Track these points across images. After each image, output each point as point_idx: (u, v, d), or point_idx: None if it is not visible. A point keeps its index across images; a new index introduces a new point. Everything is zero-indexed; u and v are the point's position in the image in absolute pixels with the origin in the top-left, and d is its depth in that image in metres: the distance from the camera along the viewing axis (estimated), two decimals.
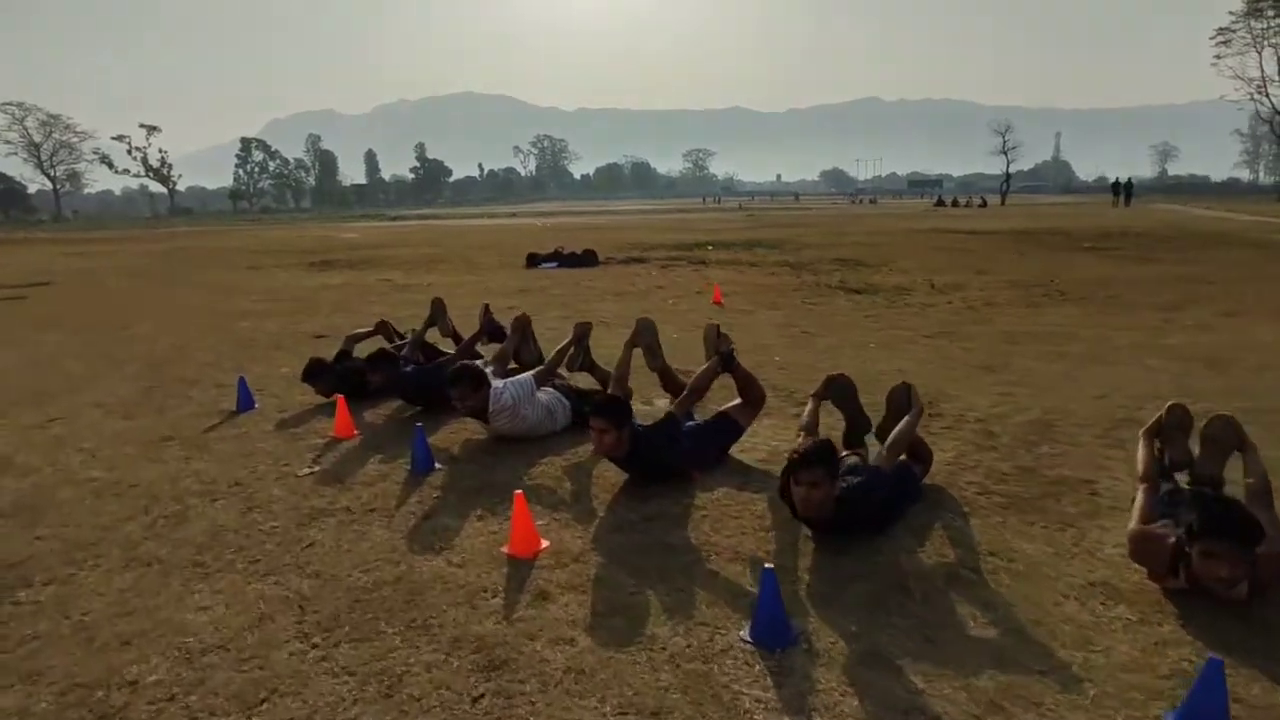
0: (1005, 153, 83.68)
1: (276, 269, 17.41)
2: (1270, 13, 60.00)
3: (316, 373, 5.56)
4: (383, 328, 6.38)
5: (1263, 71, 61.04)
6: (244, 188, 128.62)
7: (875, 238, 21.40)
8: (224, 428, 5.11)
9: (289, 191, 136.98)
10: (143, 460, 4.49)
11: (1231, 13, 62.33)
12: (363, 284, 13.74)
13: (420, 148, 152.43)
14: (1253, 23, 60.84)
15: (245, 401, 5.56)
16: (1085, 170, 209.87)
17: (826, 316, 9.10)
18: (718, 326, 4.55)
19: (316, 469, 4.26)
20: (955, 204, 53.40)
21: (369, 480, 4.07)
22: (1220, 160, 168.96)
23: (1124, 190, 46.86)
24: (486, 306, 6.47)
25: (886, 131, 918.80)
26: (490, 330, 6.07)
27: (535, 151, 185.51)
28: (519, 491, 3.29)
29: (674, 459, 3.78)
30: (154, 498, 3.92)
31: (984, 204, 52.56)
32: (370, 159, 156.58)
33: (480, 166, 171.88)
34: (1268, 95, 61.50)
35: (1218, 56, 62.41)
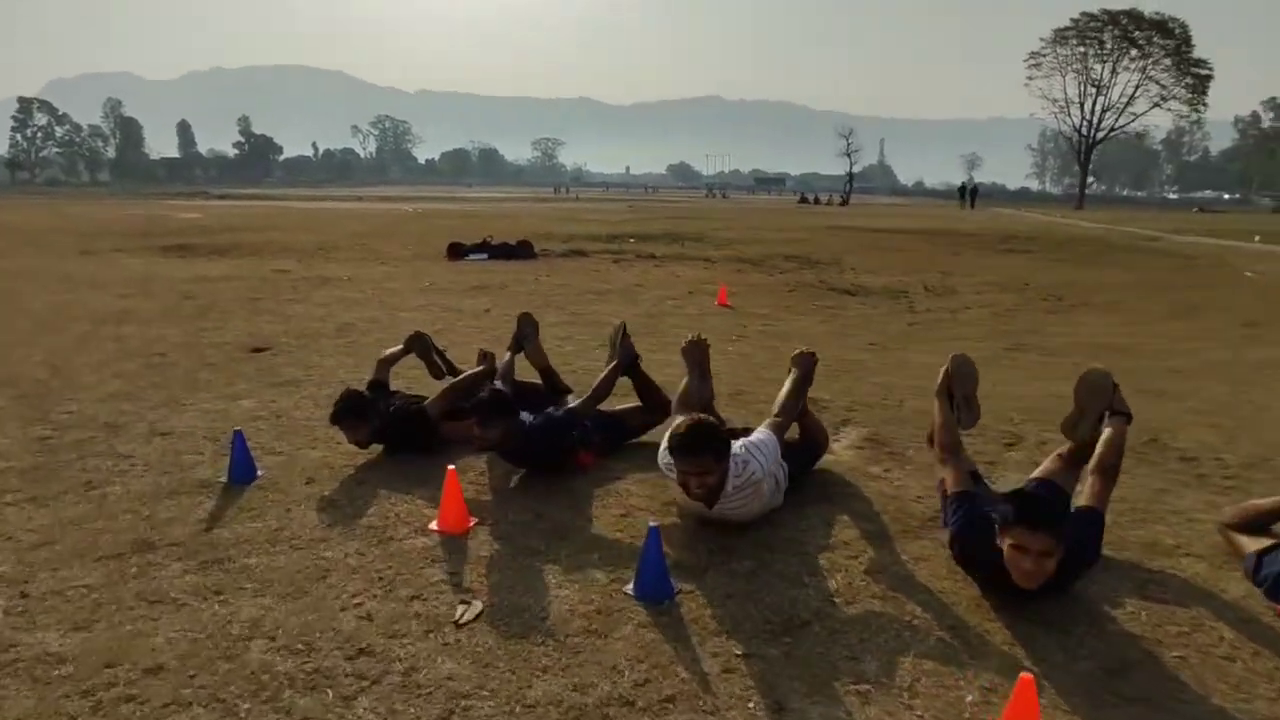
0: (849, 155, 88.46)
1: (120, 254, 14.07)
2: (1073, 41, 67.16)
3: (357, 410, 3.71)
4: (418, 343, 4.54)
5: (1066, 94, 68.27)
6: (24, 156, 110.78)
7: (797, 234, 20.96)
8: (235, 522, 3.16)
9: (82, 162, 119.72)
10: (110, 620, 2.52)
11: (1042, 39, 69.24)
12: (257, 275, 11.15)
13: (245, 121, 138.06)
14: (1059, 49, 67.85)
15: (244, 468, 3.60)
16: (906, 175, 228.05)
17: (871, 324, 8.10)
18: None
19: (476, 605, 2.53)
20: (817, 201, 55.27)
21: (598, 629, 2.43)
22: (1014, 171, 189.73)
23: (970, 194, 50.43)
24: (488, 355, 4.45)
25: (728, 129, 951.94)
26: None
27: (376, 132, 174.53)
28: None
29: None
30: None
31: (845, 202, 54.79)
32: (184, 130, 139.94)
33: (315, 146, 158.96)
34: (1069, 115, 68.84)
35: (1030, 78, 69.08)
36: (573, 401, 3.99)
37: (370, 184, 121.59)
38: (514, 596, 2.58)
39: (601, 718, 1.98)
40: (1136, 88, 65.40)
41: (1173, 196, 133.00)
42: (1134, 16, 64.64)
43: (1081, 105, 67.75)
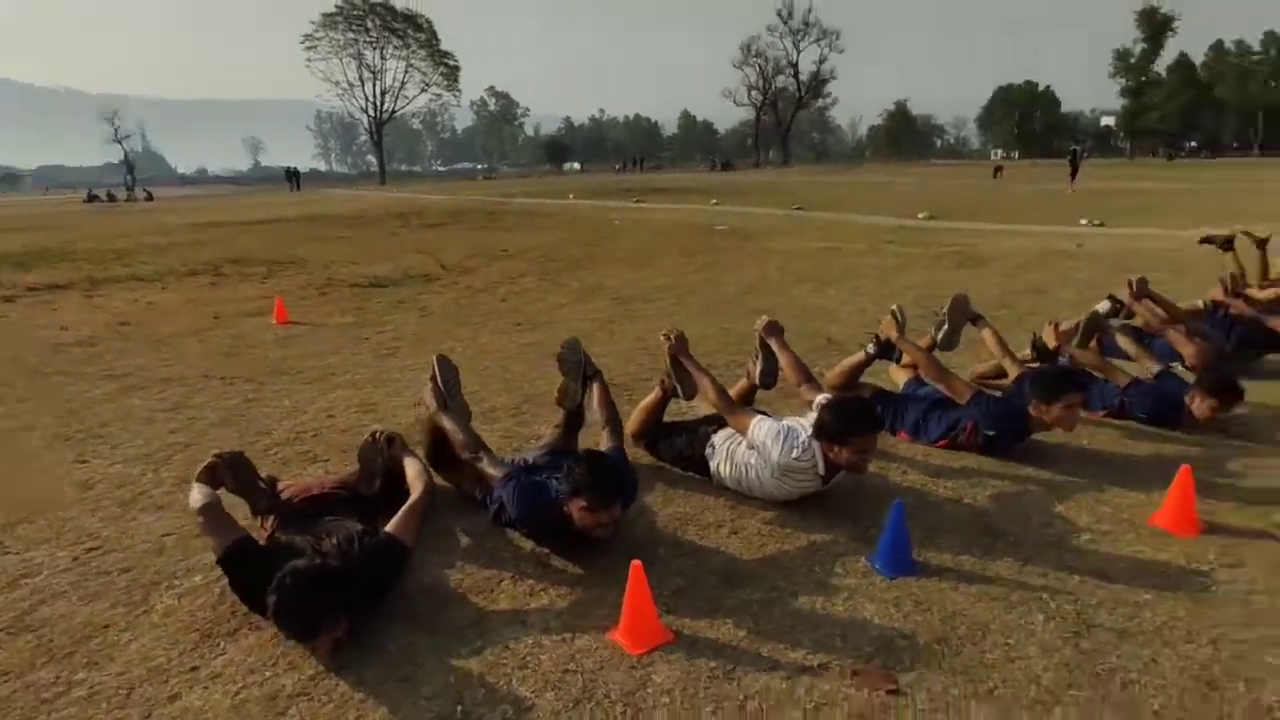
0: (119, 141, 75.97)
1: None
2: (342, 26, 70.78)
3: (323, 593, 2.23)
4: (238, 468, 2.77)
5: (346, 77, 71.96)
6: None
7: (206, 234, 17.59)
8: None
9: None
10: None
11: (313, 22, 70.91)
12: None
13: None
14: (331, 33, 70.66)
15: None
16: (182, 162, 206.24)
17: (459, 313, 7.90)
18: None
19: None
20: (113, 199, 46.29)
21: None
22: (298, 153, 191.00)
23: (294, 177, 49.76)
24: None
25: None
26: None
27: None
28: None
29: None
30: None
31: (150, 197, 47.28)
32: None
33: None
34: (354, 96, 72.99)
35: (309, 60, 70.40)
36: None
37: None
38: None
39: None
40: (405, 73, 73.12)
41: (442, 169, 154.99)
42: (389, 8, 71.46)
43: (363, 88, 72.38)
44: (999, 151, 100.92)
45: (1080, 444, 3.78)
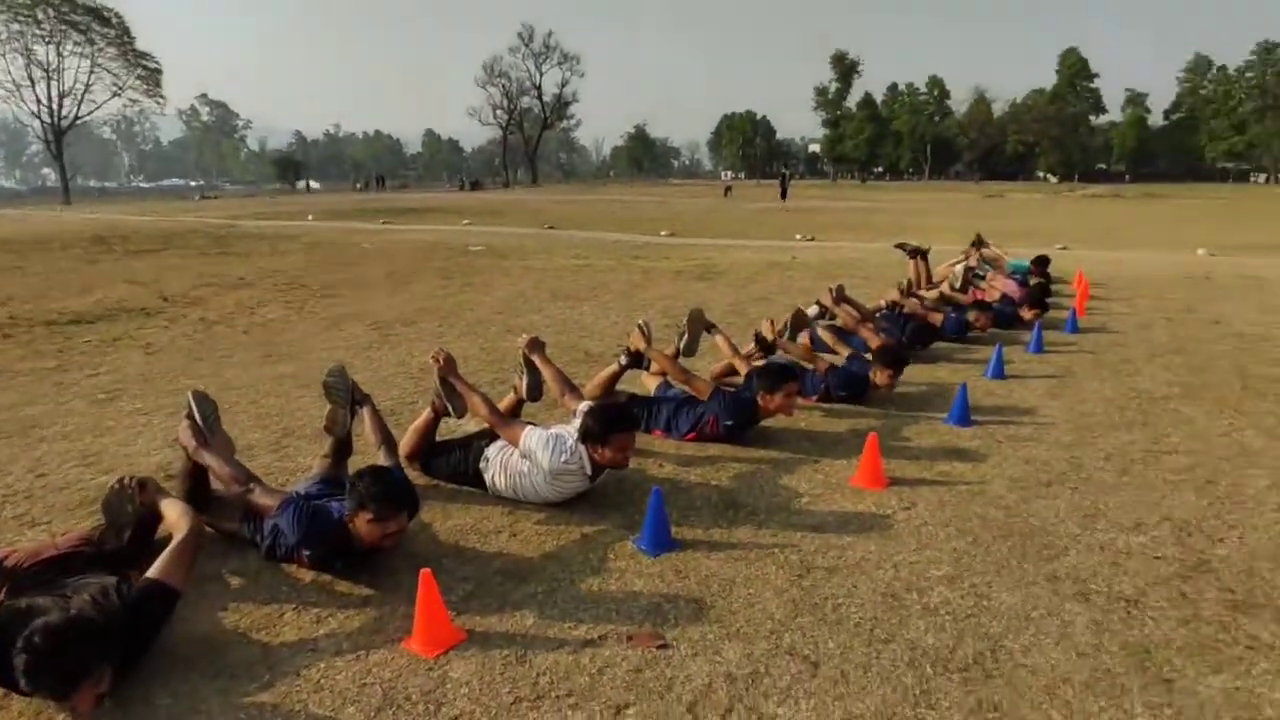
0: None
1: None
2: (5, 16, 59.63)
3: (88, 644, 2.11)
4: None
5: (12, 76, 60.71)
6: None
7: None
8: None
9: None
10: None
11: None
12: None
13: None
14: None
15: None
16: None
17: (195, 349, 7.25)
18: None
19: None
20: None
21: None
22: None
23: None
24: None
25: None
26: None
27: None
28: None
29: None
30: None
31: None
32: None
33: None
34: (23, 99, 61.73)
35: None
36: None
37: None
38: None
39: None
40: (90, 74, 63.27)
41: (145, 185, 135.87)
42: None
43: (34, 88, 61.45)
44: (729, 173, 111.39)
45: (799, 425, 4.51)
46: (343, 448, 3.55)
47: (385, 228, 22.30)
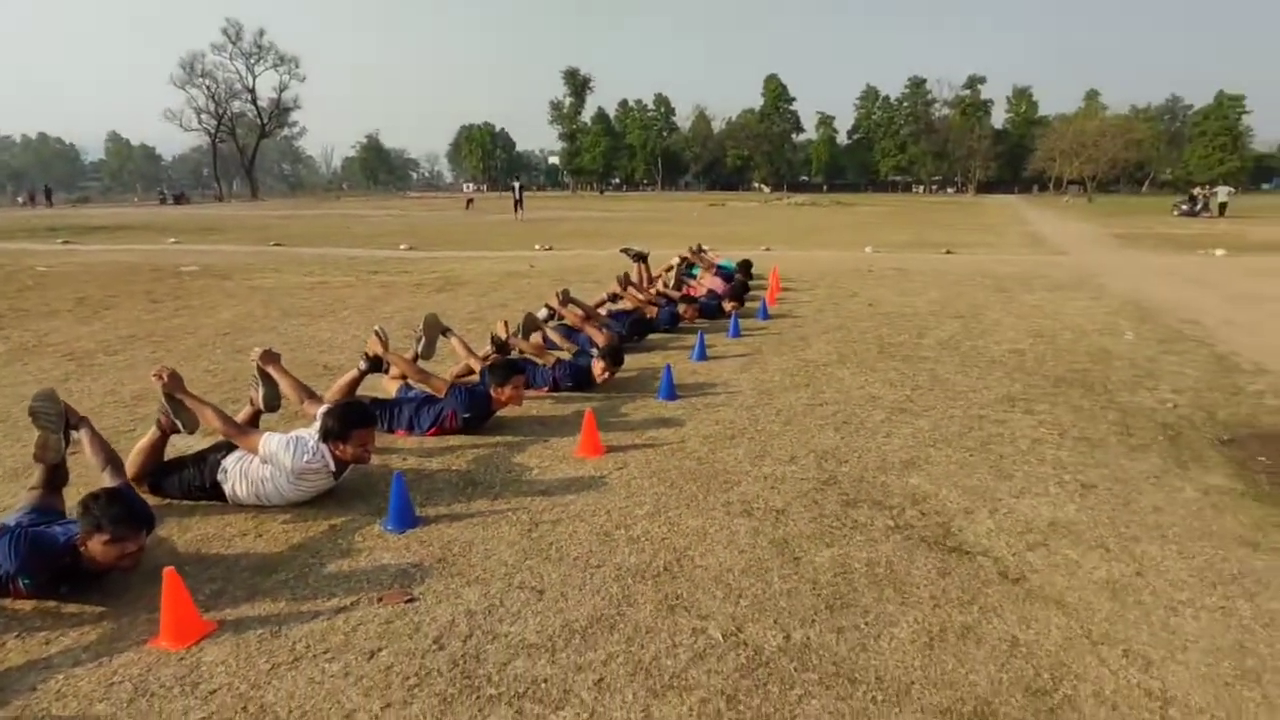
0: None
1: None
2: None
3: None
4: None
5: None
6: None
7: None
8: None
9: None
10: None
11: None
12: None
13: None
14: None
15: None
16: None
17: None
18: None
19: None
20: None
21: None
22: None
23: None
24: None
25: None
26: None
27: None
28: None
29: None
30: None
31: None
32: None
33: None
34: None
35: None
36: None
37: None
38: None
39: None
40: None
41: None
42: None
43: None
44: (470, 185, 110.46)
45: (531, 413, 5.04)
46: (55, 476, 3.39)
47: (67, 248, 19.35)
